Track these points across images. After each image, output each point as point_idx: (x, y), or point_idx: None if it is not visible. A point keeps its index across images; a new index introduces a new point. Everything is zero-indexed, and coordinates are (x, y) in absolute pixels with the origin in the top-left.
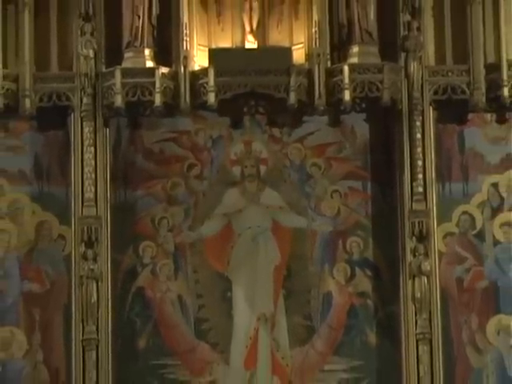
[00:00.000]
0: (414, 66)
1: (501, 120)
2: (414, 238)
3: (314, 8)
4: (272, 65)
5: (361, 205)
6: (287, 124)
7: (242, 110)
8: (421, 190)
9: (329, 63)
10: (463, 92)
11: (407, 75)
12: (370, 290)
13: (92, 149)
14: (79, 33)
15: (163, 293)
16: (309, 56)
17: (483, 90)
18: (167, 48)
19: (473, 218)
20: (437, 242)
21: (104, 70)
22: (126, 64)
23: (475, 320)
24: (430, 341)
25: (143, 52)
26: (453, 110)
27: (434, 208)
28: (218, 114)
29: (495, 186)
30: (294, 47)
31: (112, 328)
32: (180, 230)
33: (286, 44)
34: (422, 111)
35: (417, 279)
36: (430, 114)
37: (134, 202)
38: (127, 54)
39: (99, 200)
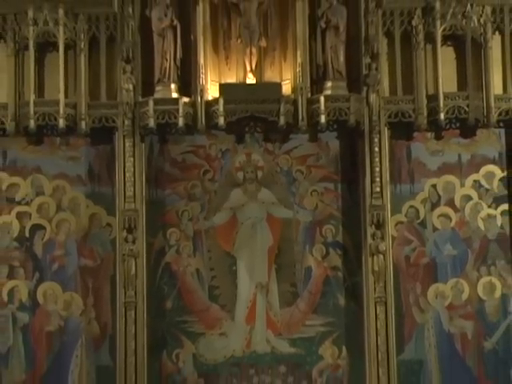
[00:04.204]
0: (373, 97)
1: (438, 137)
2: (373, 225)
3: (298, 53)
4: (266, 96)
5: (333, 201)
6: (278, 140)
7: (244, 129)
8: (378, 189)
9: (309, 94)
10: (410, 116)
11: (368, 103)
12: (340, 265)
13: (131, 159)
14: (122, 72)
15: (185, 267)
16: (294, 89)
17: (425, 114)
18: (188, 83)
19: (417, 211)
20: (390, 229)
21: (140, 99)
22: (157, 95)
23: (419, 287)
24: (385, 303)
25: (170, 86)
26: (402, 129)
27: (388, 203)
28: (226, 132)
29: (434, 186)
30: (283, 82)
31: (146, 293)
32: (197, 220)
33: (277, 80)
34: (379, 131)
35: (375, 257)
36: (385, 132)
37: (163, 199)
38: (158, 88)
39: (137, 197)
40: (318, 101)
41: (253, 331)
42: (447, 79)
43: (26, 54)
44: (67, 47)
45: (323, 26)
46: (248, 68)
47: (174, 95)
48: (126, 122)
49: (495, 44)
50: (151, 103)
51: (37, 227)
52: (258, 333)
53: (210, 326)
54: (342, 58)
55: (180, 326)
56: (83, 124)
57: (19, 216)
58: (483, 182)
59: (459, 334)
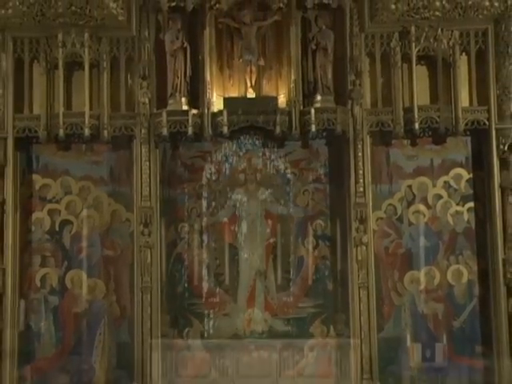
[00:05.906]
0: (357, 109)
1: (413, 144)
2: (357, 220)
3: (292, 71)
4: (264, 108)
5: (322, 199)
6: (274, 146)
7: (245, 137)
8: (361, 189)
9: (301, 107)
10: (389, 126)
11: (352, 115)
12: (328, 255)
13: (147, 163)
14: (139, 87)
15: (194, 256)
16: (289, 102)
17: (402, 124)
18: (196, 97)
19: (395, 208)
20: (372, 224)
21: (155, 111)
22: (169, 107)
23: (396, 274)
24: (368, 288)
25: (181, 100)
26: (382, 137)
27: (370, 201)
28: (230, 140)
29: (410, 187)
30: (279, 96)
31: (160, 279)
32: (204, 216)
33: (274, 94)
34: (362, 138)
35: (359, 248)
36: (368, 140)
37: (174, 197)
38: (170, 101)
39: (152, 196)
40: (309, 112)
41: (253, 312)
42: (421, 94)
43: (56, 73)
44: (92, 66)
45: (313, 47)
46: (248, 84)
47: (184, 107)
48: (143, 131)
49: (462, 63)
50: (164, 114)
51: (65, 222)
52: (257, 314)
53: (216, 308)
54: (330, 76)
55: (189, 308)
56: (105, 133)
57: (50, 212)
58: (452, 183)
59: (431, 314)
